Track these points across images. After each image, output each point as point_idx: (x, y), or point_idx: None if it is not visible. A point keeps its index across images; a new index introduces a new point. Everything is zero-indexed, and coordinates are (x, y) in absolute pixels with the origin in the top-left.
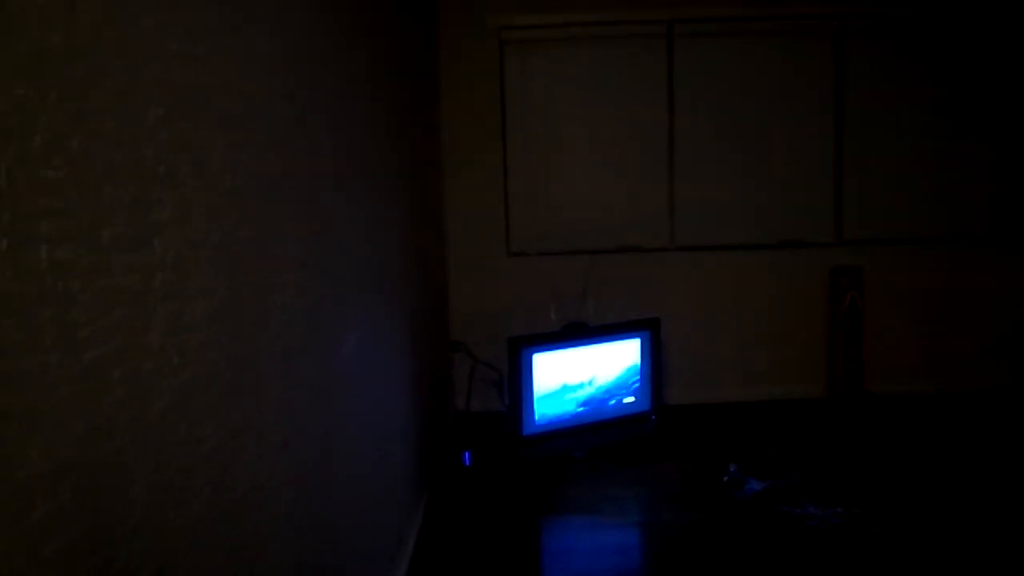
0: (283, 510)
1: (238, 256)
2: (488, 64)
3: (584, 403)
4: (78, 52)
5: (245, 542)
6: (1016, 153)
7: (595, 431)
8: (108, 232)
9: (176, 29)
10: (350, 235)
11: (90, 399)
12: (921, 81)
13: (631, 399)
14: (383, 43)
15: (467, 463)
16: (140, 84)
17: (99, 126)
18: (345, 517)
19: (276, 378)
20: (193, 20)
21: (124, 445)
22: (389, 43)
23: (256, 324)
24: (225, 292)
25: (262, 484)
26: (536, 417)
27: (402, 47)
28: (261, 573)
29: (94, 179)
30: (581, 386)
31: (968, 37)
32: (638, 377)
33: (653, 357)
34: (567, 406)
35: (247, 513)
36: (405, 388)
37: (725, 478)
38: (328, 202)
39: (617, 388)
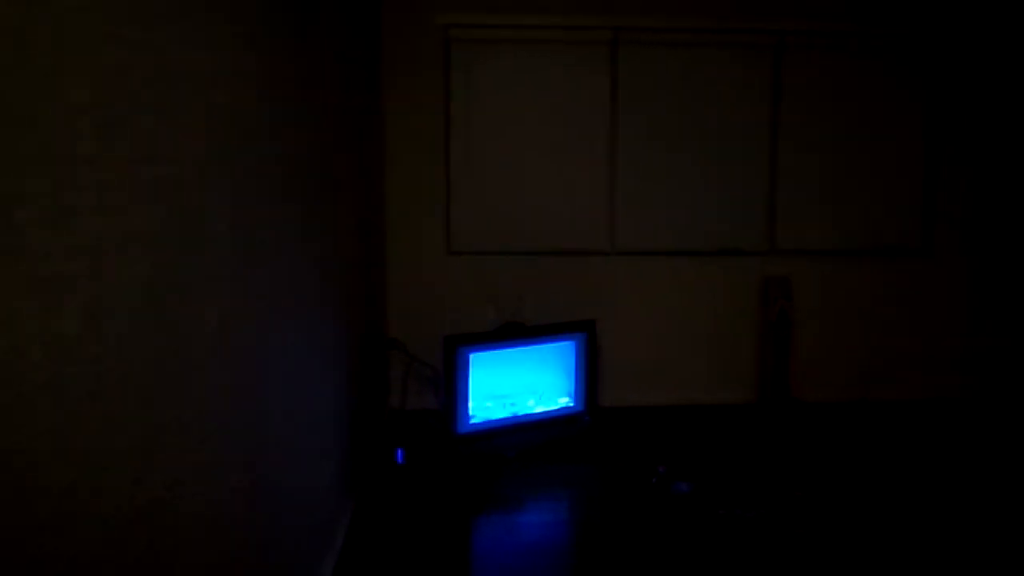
0: (204, 507)
1: (163, 248)
2: (434, 62)
3: (518, 403)
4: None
5: (162, 540)
6: (942, 167)
7: (528, 431)
8: (23, 213)
9: (113, 13)
10: (283, 231)
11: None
12: (853, 96)
13: (565, 400)
14: (327, 33)
15: (400, 461)
16: (67, 65)
17: (22, 109)
18: (271, 514)
19: (199, 373)
20: (132, 5)
21: (37, 433)
22: (330, 36)
23: (179, 318)
24: (147, 284)
25: (182, 480)
26: (470, 416)
27: (344, 41)
28: (179, 573)
29: (13, 162)
30: (515, 386)
31: (899, 54)
32: (572, 378)
33: (588, 359)
34: (501, 405)
35: (165, 510)
36: (337, 385)
37: (653, 479)
38: (260, 195)
39: (551, 389)
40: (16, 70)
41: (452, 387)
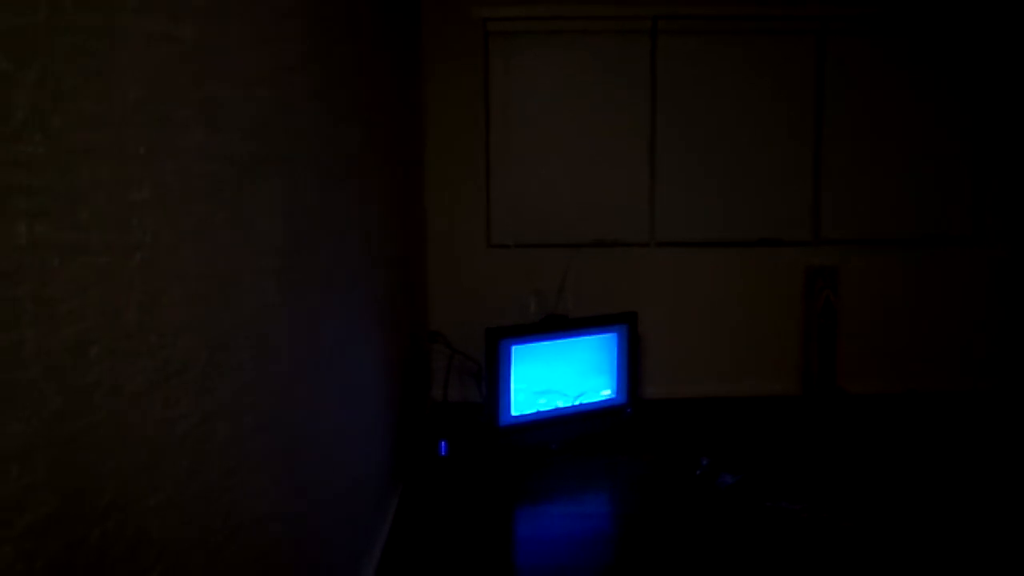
0: (256, 496)
1: (215, 239)
2: (472, 55)
3: (560, 395)
4: (58, 30)
5: (217, 526)
6: (992, 155)
7: (571, 423)
8: (86, 211)
9: (160, 10)
10: (328, 224)
11: (67, 375)
12: (900, 82)
13: (607, 392)
14: (368, 31)
15: (443, 453)
16: (119, 64)
17: (77, 105)
18: (318, 504)
19: (250, 363)
20: (177, 2)
21: (99, 421)
22: (374, 31)
23: (231, 309)
24: (202, 275)
25: (235, 468)
26: (513, 408)
27: (386, 36)
28: (232, 556)
29: (73, 158)
30: (557, 378)
31: (947, 39)
32: (614, 370)
33: (630, 351)
34: (544, 398)
35: (220, 497)
36: (381, 377)
37: (697, 471)
38: (307, 189)
39: (593, 381)
40: (69, 65)
41: (494, 379)
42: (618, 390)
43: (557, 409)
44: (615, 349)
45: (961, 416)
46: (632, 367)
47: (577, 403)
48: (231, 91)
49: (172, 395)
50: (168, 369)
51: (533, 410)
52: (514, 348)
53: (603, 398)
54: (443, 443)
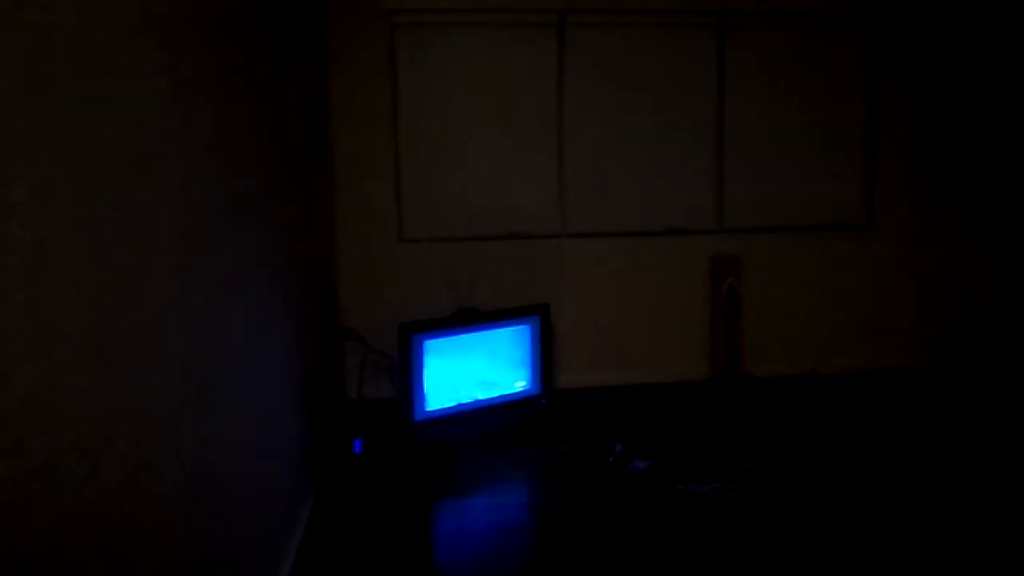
0: (162, 501)
1: (105, 240)
2: (379, 48)
3: (475, 388)
4: None
5: (119, 534)
6: (881, 146)
7: (486, 416)
8: None
9: None
10: (227, 222)
11: None
12: (796, 74)
13: (522, 384)
14: (266, 19)
15: (357, 451)
16: None
17: None
18: (228, 507)
19: (150, 365)
20: None
21: None
22: (272, 20)
23: (127, 310)
24: (92, 276)
25: (135, 474)
26: (427, 403)
27: (283, 28)
28: (137, 565)
29: None
30: (471, 371)
31: (839, 32)
32: (528, 362)
33: (543, 342)
34: (458, 392)
35: (122, 504)
36: (290, 376)
37: (611, 458)
38: (203, 186)
39: (507, 373)
40: None
41: (408, 375)
42: (532, 381)
43: (472, 402)
44: (528, 341)
45: (862, 395)
46: (546, 358)
47: (491, 396)
48: (118, 80)
49: (62, 402)
50: (56, 373)
51: (448, 404)
52: (427, 343)
53: (518, 390)
54: (357, 441)
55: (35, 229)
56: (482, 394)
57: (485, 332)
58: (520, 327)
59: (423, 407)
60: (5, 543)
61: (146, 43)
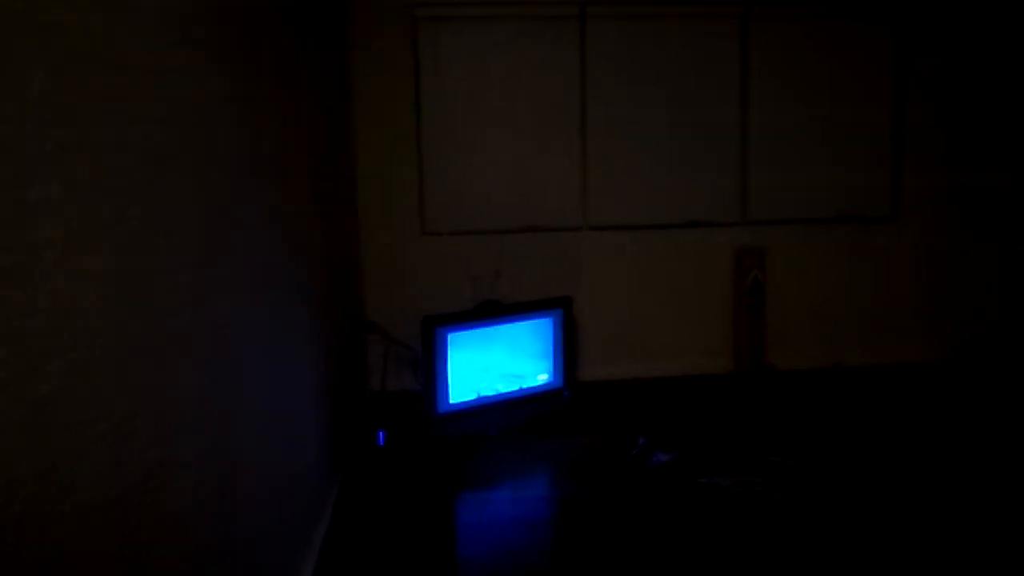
0: (183, 496)
1: (129, 236)
2: (402, 41)
3: (498, 381)
4: None
5: (139, 531)
6: (908, 139)
7: (509, 408)
8: None
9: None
10: (252, 216)
11: None
12: (821, 65)
13: (544, 376)
14: (285, 23)
15: (381, 443)
16: (20, 53)
17: None
18: (252, 501)
19: (173, 362)
20: None
21: (3, 427)
22: (294, 19)
23: (148, 305)
24: (115, 272)
25: (156, 471)
26: (450, 396)
27: (306, 25)
28: (159, 562)
29: None
30: (494, 364)
31: (867, 22)
32: (551, 354)
33: (565, 335)
34: (481, 384)
35: (141, 500)
36: (314, 369)
37: (634, 451)
38: (227, 181)
39: (530, 366)
40: None
41: (431, 367)
42: (555, 374)
43: (495, 395)
44: (551, 333)
45: (886, 388)
46: (568, 351)
47: (514, 388)
48: (142, 80)
49: (87, 397)
50: (81, 370)
51: (471, 397)
52: (450, 336)
53: (540, 383)
54: (381, 433)
55: (60, 228)
56: (505, 387)
57: (508, 325)
58: (543, 320)
59: (446, 400)
60: (26, 540)
61: (170, 43)
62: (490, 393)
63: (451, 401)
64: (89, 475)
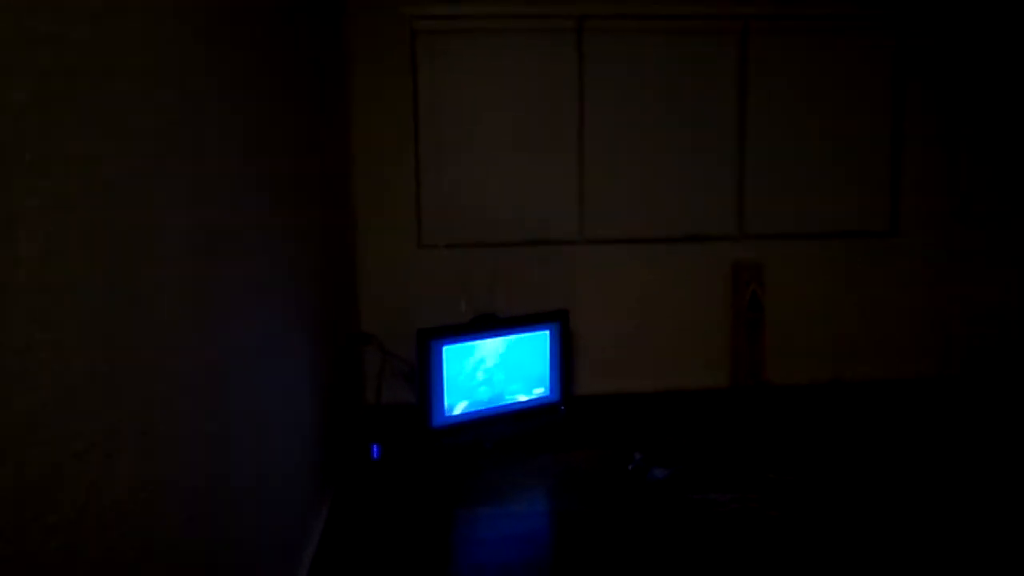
0: (173, 509)
1: (117, 248)
2: (399, 54)
3: (493, 394)
4: None
5: (128, 546)
6: (907, 153)
7: (505, 422)
8: None
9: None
10: (247, 228)
11: None
12: (819, 80)
13: (540, 390)
14: (283, 29)
15: (376, 456)
16: (4, 66)
17: None
18: (243, 514)
19: (162, 374)
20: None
21: None
22: (290, 29)
23: (138, 318)
24: (102, 285)
25: (146, 484)
26: (446, 409)
27: (305, 34)
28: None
29: None
30: (490, 377)
31: (864, 38)
32: (547, 368)
33: (562, 349)
34: (477, 398)
35: (130, 514)
36: (309, 381)
37: (630, 466)
38: (217, 193)
39: (526, 379)
40: None
41: (426, 380)
42: (551, 388)
43: (491, 408)
44: (547, 347)
45: (885, 404)
46: (565, 365)
47: (510, 402)
48: (128, 94)
49: (70, 411)
50: (66, 384)
51: (467, 410)
52: (446, 348)
53: (536, 396)
54: (375, 447)
55: (46, 238)
56: (500, 400)
57: (504, 338)
58: (539, 333)
59: (441, 413)
60: (10, 552)
61: (159, 52)
62: (486, 407)
63: (446, 414)
64: (70, 492)
